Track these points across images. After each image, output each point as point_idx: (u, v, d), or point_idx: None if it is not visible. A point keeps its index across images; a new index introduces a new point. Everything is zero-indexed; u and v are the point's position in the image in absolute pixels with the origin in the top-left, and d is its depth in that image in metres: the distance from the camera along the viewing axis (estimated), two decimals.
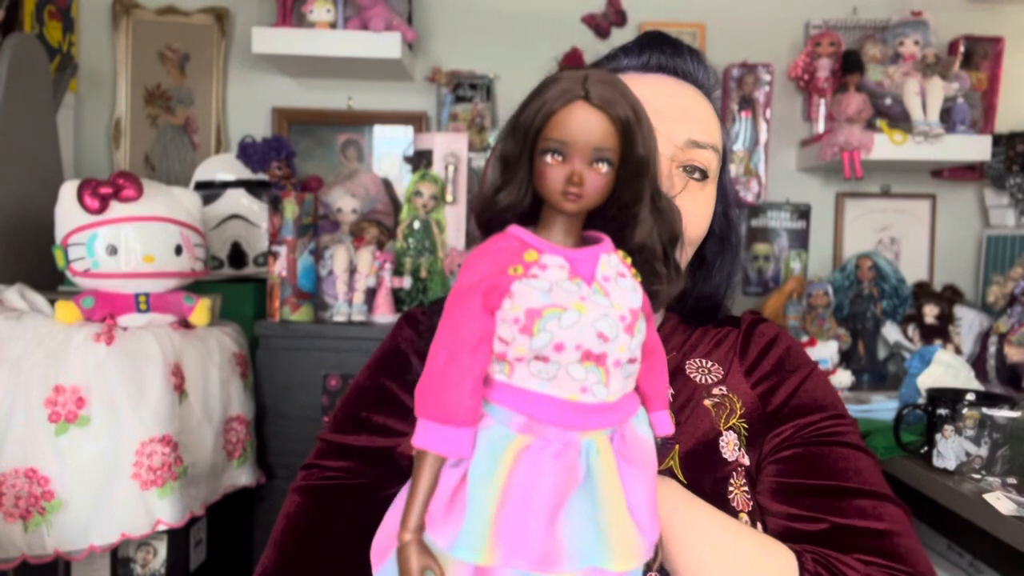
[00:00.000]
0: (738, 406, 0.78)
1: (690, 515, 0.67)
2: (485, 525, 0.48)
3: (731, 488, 0.74)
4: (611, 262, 0.53)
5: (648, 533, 0.52)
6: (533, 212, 0.55)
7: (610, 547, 0.49)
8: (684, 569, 0.66)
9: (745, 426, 0.77)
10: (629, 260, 0.55)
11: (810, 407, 0.78)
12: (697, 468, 0.74)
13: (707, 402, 0.77)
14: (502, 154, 0.54)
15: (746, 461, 0.76)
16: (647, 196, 0.54)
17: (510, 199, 0.54)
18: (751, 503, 0.75)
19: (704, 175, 0.77)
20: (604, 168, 0.51)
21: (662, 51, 0.79)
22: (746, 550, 0.68)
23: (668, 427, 0.58)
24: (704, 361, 0.81)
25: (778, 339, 0.84)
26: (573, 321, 0.49)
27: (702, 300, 0.85)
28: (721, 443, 0.75)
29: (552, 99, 0.51)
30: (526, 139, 0.52)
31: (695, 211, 0.76)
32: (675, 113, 0.75)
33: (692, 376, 0.79)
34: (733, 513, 0.73)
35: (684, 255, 0.78)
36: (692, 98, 0.78)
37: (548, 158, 0.51)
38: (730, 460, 0.75)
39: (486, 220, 0.56)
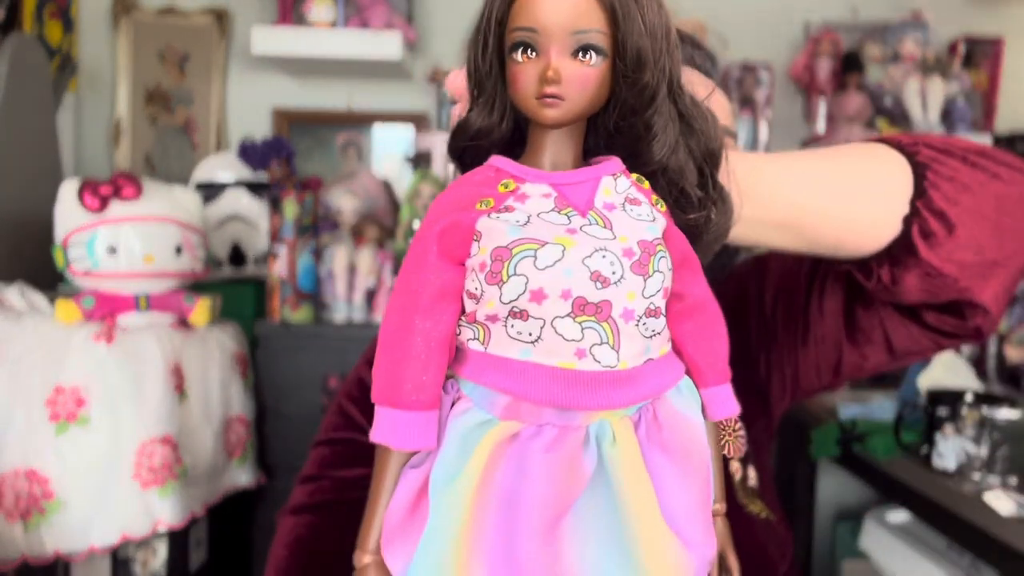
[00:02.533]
0: None
1: (754, 170, 0.57)
2: (450, 543, 0.36)
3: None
4: (618, 186, 0.41)
5: (698, 546, 0.39)
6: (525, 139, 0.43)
7: (641, 568, 0.37)
8: (785, 214, 0.58)
9: None
10: (647, 184, 0.42)
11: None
12: None
13: None
14: (469, 66, 0.42)
15: None
16: (660, 96, 0.41)
17: (483, 121, 0.42)
18: (745, 446, 0.71)
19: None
20: (592, 59, 0.38)
21: (683, 41, 0.80)
22: (842, 171, 0.59)
23: (730, 407, 0.45)
24: None
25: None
26: (555, 259, 0.37)
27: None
28: None
29: None
30: (489, 37, 0.40)
31: None
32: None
33: None
34: (722, 463, 0.71)
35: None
36: (712, 87, 0.78)
37: (518, 55, 0.39)
38: None
39: (460, 151, 0.45)
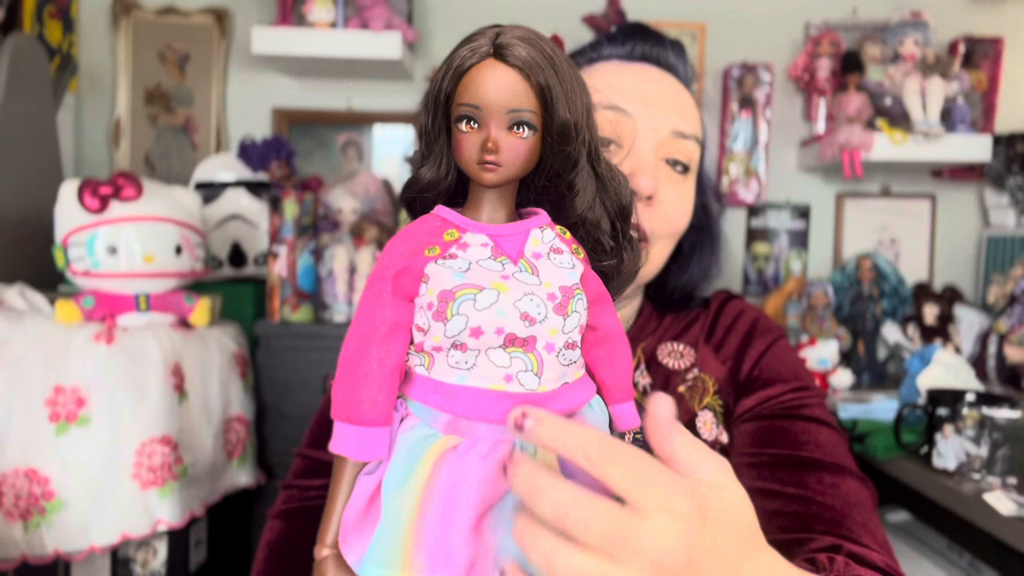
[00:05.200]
0: (711, 385, 0.77)
1: None
2: (398, 538, 0.42)
3: None
4: (544, 237, 0.48)
5: None
6: (467, 190, 0.50)
7: None
8: None
9: (720, 403, 0.77)
10: (568, 235, 0.50)
11: (772, 379, 0.77)
12: None
13: (681, 388, 0.77)
14: (419, 127, 0.50)
15: (725, 439, 0.75)
16: (581, 162, 0.48)
17: (431, 175, 0.50)
18: None
19: (686, 169, 0.76)
20: (524, 133, 0.45)
21: (645, 41, 0.79)
22: None
23: (632, 420, 0.53)
24: (676, 344, 0.81)
25: (744, 313, 0.84)
26: (490, 302, 0.44)
27: (676, 290, 0.84)
28: (698, 424, 0.75)
29: (461, 59, 0.46)
30: (438, 107, 0.47)
31: (678, 205, 0.76)
32: (660, 103, 0.75)
33: (665, 362, 0.79)
34: None
35: (664, 248, 0.77)
36: (676, 88, 0.77)
37: (462, 126, 0.46)
38: (708, 440, 0.74)
39: (410, 200, 0.52)
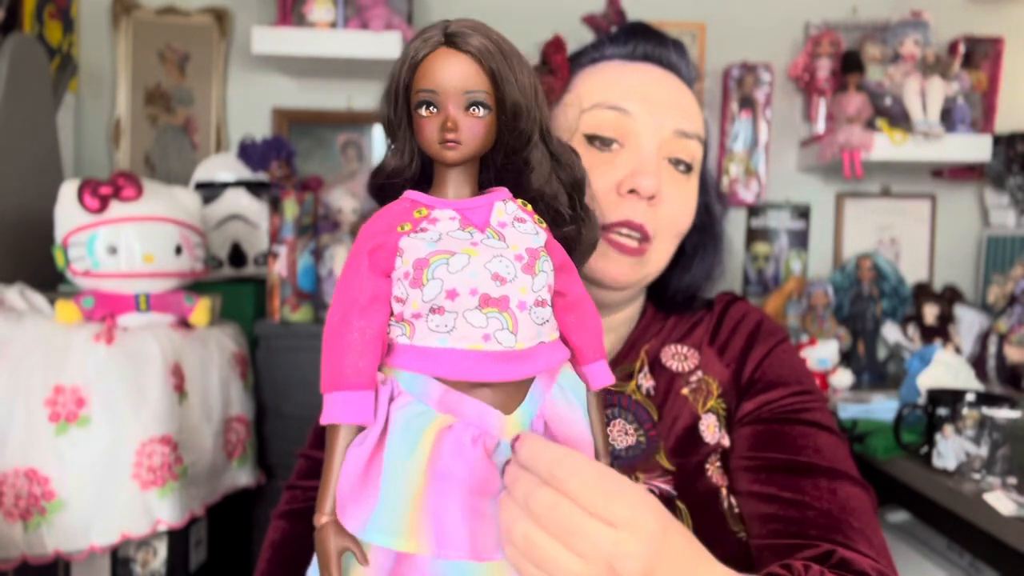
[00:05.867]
0: (715, 387, 0.77)
1: None
2: (403, 509, 0.45)
3: (707, 466, 0.73)
4: (508, 209, 0.52)
5: None
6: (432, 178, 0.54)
7: None
8: None
9: (723, 406, 0.77)
10: (529, 207, 0.54)
11: (773, 382, 0.77)
12: (681, 454, 0.73)
13: (684, 390, 0.77)
14: (382, 118, 0.54)
15: (726, 442, 0.75)
16: (534, 139, 0.53)
17: (395, 163, 0.54)
18: (726, 478, 0.74)
19: (689, 168, 0.76)
20: (480, 112, 0.50)
21: (647, 40, 0.79)
22: None
23: (605, 378, 0.56)
24: (680, 347, 0.80)
25: (748, 316, 0.83)
26: (463, 264, 0.47)
27: (678, 291, 0.84)
28: (701, 427, 0.75)
29: (415, 50, 0.50)
30: (398, 96, 0.51)
31: (680, 204, 0.76)
32: (663, 102, 0.75)
33: (668, 365, 0.79)
34: (713, 489, 0.72)
35: (667, 248, 0.78)
36: (678, 88, 0.77)
37: (423, 111, 0.50)
38: (711, 443, 0.74)
39: (378, 188, 0.56)
